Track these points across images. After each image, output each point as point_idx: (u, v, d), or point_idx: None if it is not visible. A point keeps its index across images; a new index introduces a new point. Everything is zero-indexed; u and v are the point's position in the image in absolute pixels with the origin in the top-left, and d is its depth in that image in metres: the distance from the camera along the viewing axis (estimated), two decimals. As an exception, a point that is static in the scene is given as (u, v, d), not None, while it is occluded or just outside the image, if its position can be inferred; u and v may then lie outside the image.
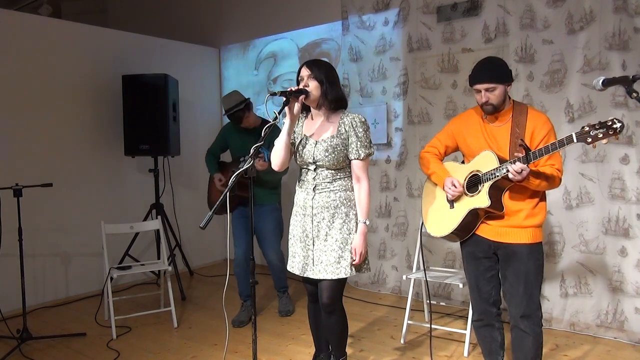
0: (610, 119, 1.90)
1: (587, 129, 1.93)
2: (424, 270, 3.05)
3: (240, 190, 3.55)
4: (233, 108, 3.63)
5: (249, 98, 3.75)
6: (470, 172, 2.37)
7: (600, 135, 1.89)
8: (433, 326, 3.54)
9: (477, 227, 2.38)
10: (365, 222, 2.44)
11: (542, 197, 2.33)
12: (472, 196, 2.33)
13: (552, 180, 2.21)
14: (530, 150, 2.12)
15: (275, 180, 3.73)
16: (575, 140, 1.97)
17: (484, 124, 2.38)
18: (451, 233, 2.42)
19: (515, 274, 2.29)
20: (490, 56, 2.44)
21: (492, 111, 2.31)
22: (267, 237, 3.76)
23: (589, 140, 1.92)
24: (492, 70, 2.27)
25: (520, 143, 2.17)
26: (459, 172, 2.43)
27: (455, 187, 2.38)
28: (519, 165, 2.10)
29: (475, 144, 2.38)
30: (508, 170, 2.14)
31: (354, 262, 2.42)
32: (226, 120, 5.78)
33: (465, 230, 2.41)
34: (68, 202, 4.44)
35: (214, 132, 5.75)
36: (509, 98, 2.34)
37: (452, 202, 2.44)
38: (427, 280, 2.99)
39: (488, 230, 2.35)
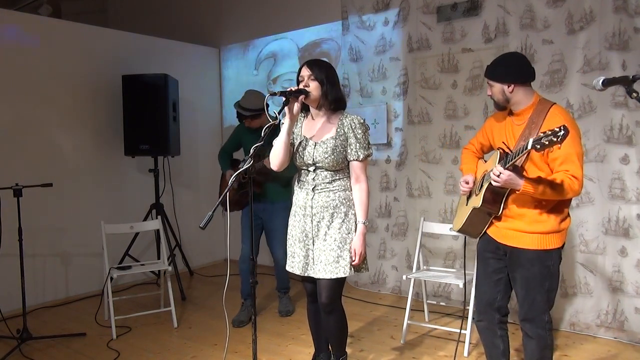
0: (559, 126, 1.84)
1: (541, 135, 1.87)
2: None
3: (254, 187, 3.56)
4: (244, 109, 3.69)
5: (262, 108, 3.75)
6: (484, 172, 2.37)
7: (547, 143, 1.83)
8: (433, 326, 3.55)
9: (487, 227, 2.37)
10: (364, 223, 2.45)
11: (558, 204, 2.21)
12: (477, 195, 2.34)
13: (564, 189, 2.06)
14: (509, 154, 2.08)
15: (290, 176, 3.73)
16: (529, 147, 1.91)
17: (508, 123, 2.33)
18: (462, 229, 2.44)
19: (520, 278, 2.26)
20: (512, 52, 2.43)
21: (495, 106, 2.34)
22: (277, 235, 3.75)
23: (538, 147, 1.86)
24: (493, 67, 2.28)
25: (498, 147, 2.16)
26: (481, 170, 2.44)
27: (467, 183, 2.39)
28: (497, 169, 2.07)
29: (499, 141, 2.35)
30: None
31: (353, 263, 2.43)
32: (226, 120, 5.77)
33: (475, 228, 2.40)
34: (68, 202, 4.44)
35: (214, 132, 5.78)
36: (534, 96, 2.25)
37: (467, 199, 2.46)
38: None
39: (495, 231, 2.34)
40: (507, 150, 2.14)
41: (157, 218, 4.12)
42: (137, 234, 4.55)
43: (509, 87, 2.22)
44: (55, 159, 4.37)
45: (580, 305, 3.41)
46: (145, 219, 4.58)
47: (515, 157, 2.05)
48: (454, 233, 2.63)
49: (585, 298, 3.40)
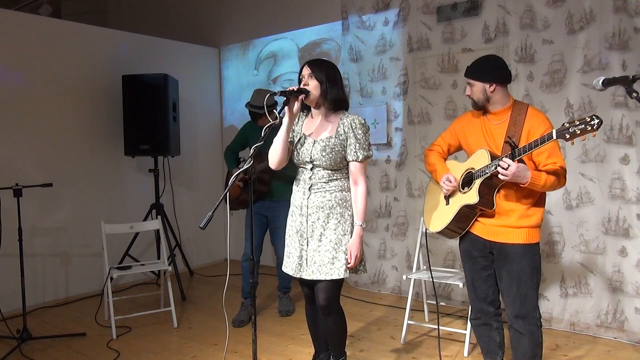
0: (589, 115, 1.90)
1: (567, 125, 1.93)
2: (429, 268, 3.05)
3: (258, 184, 3.59)
4: (255, 107, 3.75)
5: (274, 103, 3.79)
6: (466, 170, 2.40)
7: (578, 132, 1.90)
8: (433, 326, 3.55)
9: (471, 225, 2.39)
10: (361, 225, 2.42)
11: (540, 198, 2.31)
12: (465, 193, 2.36)
13: (558, 179, 2.19)
14: (517, 147, 2.13)
15: (294, 175, 3.74)
16: (554, 137, 1.97)
17: (484, 122, 2.40)
18: (445, 229, 2.45)
19: (509, 274, 2.30)
20: (490, 54, 2.50)
21: (474, 105, 2.40)
22: (281, 233, 3.74)
23: (567, 136, 1.93)
24: (474, 67, 2.36)
25: (506, 140, 2.19)
26: (457, 170, 2.47)
27: (450, 182, 2.41)
28: (505, 161, 2.11)
29: (474, 141, 2.41)
30: (496, 167, 2.16)
31: (348, 265, 2.39)
32: (227, 117, 5.76)
33: (459, 227, 2.42)
34: (68, 202, 4.44)
35: (214, 132, 5.77)
36: (510, 97, 2.36)
37: (447, 198, 2.47)
38: (430, 279, 2.99)
39: (482, 229, 2.37)
40: (514, 144, 2.15)
41: (157, 218, 4.12)
42: (137, 234, 4.55)
43: (490, 86, 2.31)
44: (55, 159, 4.37)
45: (580, 305, 3.41)
46: (145, 219, 4.58)
47: (531, 149, 2.09)
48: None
49: (585, 298, 3.40)
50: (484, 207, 2.29)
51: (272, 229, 3.82)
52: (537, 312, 2.31)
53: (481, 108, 2.39)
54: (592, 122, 1.88)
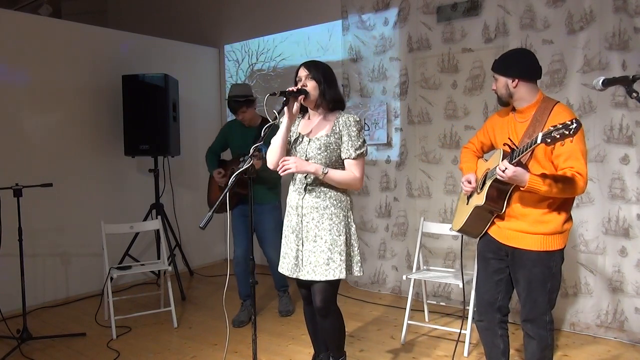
0: (570, 119, 1.84)
1: (551, 129, 1.87)
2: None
3: (239, 188, 3.57)
4: (233, 97, 3.70)
5: (255, 97, 3.79)
6: (486, 170, 2.36)
7: (558, 137, 1.84)
8: (433, 326, 3.55)
9: (488, 226, 2.36)
10: (325, 172, 2.33)
11: (562, 203, 2.21)
12: (479, 194, 2.32)
13: (570, 185, 2.05)
14: (515, 149, 2.07)
15: (274, 177, 3.73)
16: (539, 141, 1.90)
17: (510, 120, 2.33)
18: (462, 227, 2.42)
19: (522, 279, 2.25)
20: (520, 48, 2.44)
21: (498, 101, 2.34)
22: (267, 235, 3.76)
23: (548, 140, 1.86)
24: (499, 60, 2.29)
25: (504, 143, 2.15)
26: (481, 169, 2.43)
27: (470, 182, 2.37)
28: (502, 164, 2.06)
29: (501, 139, 2.34)
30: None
31: (278, 167, 2.34)
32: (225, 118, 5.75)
33: (475, 228, 2.39)
34: (68, 202, 4.44)
35: (214, 132, 5.74)
36: (538, 94, 2.25)
37: (468, 198, 2.44)
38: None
39: (497, 232, 2.32)
40: (512, 146, 2.11)
41: (157, 218, 4.12)
42: (137, 234, 4.56)
43: (512, 81, 2.22)
44: (55, 159, 4.37)
45: (580, 305, 3.41)
46: (145, 219, 4.58)
47: (523, 152, 2.03)
48: (454, 233, 2.61)
49: (586, 298, 3.40)
50: (493, 209, 2.25)
51: (257, 233, 3.81)
52: (548, 316, 2.25)
53: (505, 104, 2.33)
54: (572, 127, 1.80)
